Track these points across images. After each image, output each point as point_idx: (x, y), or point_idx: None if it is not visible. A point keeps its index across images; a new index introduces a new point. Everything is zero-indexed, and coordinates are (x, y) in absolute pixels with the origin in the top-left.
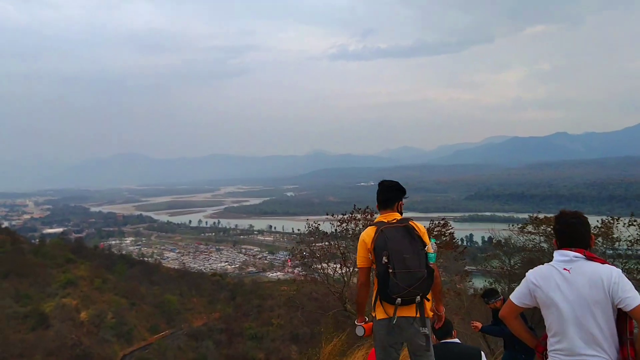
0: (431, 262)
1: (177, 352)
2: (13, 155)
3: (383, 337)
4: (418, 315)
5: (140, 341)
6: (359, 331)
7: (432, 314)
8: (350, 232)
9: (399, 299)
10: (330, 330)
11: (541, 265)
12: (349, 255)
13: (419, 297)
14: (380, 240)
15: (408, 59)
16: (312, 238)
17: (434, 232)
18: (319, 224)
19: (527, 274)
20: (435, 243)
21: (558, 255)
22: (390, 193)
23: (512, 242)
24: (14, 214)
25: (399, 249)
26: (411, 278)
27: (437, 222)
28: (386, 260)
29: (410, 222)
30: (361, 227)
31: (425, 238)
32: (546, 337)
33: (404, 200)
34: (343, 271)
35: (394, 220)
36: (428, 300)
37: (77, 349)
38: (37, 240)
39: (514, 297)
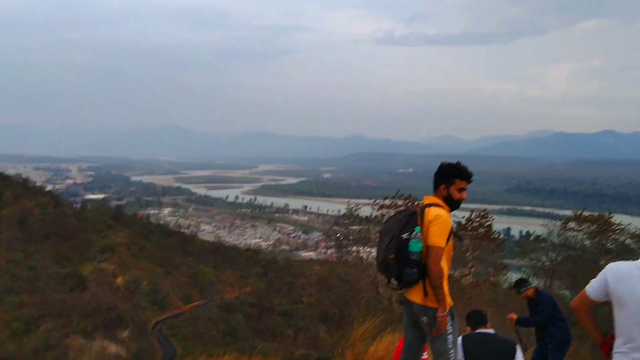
0: (412, 251)
1: (208, 322)
2: (62, 122)
3: (403, 317)
4: (415, 300)
5: (173, 309)
6: None
7: (438, 306)
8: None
9: (385, 279)
10: (363, 312)
11: (623, 262)
12: None
13: (394, 281)
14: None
15: (455, 47)
16: (348, 220)
17: (473, 224)
18: (359, 207)
19: (606, 267)
20: (418, 232)
21: None
22: (435, 176)
23: (553, 238)
24: (58, 178)
25: (383, 230)
26: (377, 259)
27: (477, 212)
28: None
29: (418, 208)
30: None
31: (427, 225)
32: (613, 336)
33: (456, 185)
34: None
35: (419, 204)
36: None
37: (112, 312)
38: (79, 205)
39: (588, 289)
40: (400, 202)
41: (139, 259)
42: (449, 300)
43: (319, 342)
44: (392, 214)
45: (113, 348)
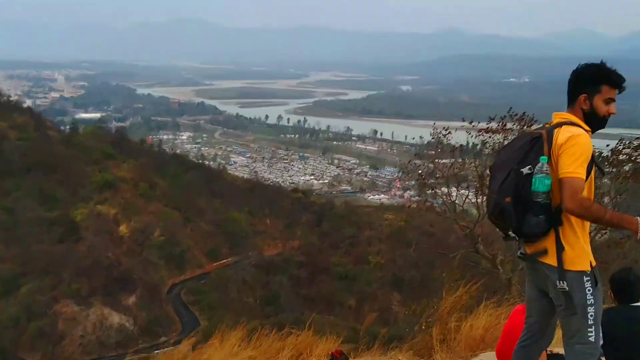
0: (536, 191)
1: (241, 286)
2: (39, 13)
3: (526, 283)
4: (544, 260)
5: (195, 268)
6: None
7: (578, 265)
8: (493, 147)
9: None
10: (454, 277)
11: None
12: (488, 178)
13: (512, 234)
14: (498, 151)
15: None
16: (435, 151)
17: (619, 156)
18: (449, 132)
19: None
20: (544, 163)
21: None
22: (572, 83)
23: None
24: (39, 91)
25: (495, 164)
26: (490, 203)
27: (627, 141)
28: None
29: (543, 130)
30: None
31: (558, 151)
32: None
33: (604, 93)
34: (478, 201)
35: (547, 125)
36: (563, 246)
37: (115, 270)
38: (68, 127)
39: None
40: (511, 126)
41: (150, 200)
42: (626, 224)
43: (391, 315)
44: (510, 140)
45: (116, 318)
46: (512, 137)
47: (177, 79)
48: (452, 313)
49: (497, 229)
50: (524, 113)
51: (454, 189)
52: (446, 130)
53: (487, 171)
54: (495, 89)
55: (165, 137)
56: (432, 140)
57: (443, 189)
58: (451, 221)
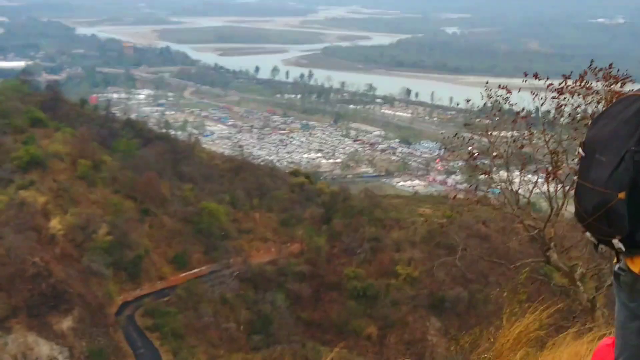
0: None
1: (219, 306)
2: None
3: (616, 297)
4: None
5: (155, 280)
6: None
7: None
8: (571, 114)
9: (588, 234)
10: (519, 296)
11: None
12: (565, 158)
13: (618, 242)
14: (593, 122)
15: None
16: (491, 119)
17: None
18: (511, 93)
19: None
20: None
21: None
22: None
23: None
24: None
25: (594, 140)
26: (590, 199)
27: None
28: (578, 162)
29: None
30: (598, 105)
31: None
32: None
33: None
34: (549, 189)
35: None
36: None
37: (43, 282)
38: None
39: None
40: (596, 84)
41: (92, 184)
42: None
43: (427, 349)
44: (612, 105)
45: (44, 348)
46: (614, 101)
47: (132, 15)
48: (516, 348)
49: (589, 234)
50: (610, 65)
51: (517, 173)
52: (506, 90)
53: (580, 150)
54: (579, 33)
55: (115, 96)
56: (488, 104)
57: (501, 173)
58: (512, 218)
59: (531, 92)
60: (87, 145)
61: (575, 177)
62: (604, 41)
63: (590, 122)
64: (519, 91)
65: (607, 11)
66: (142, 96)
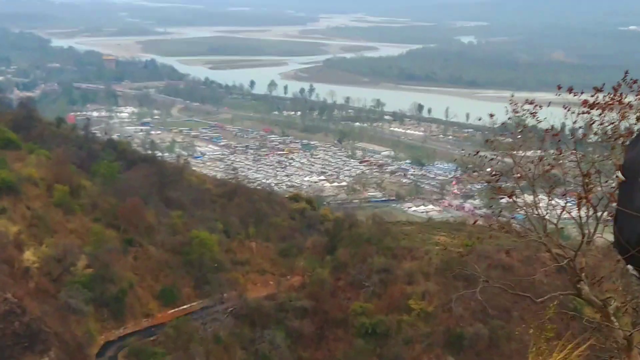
0: None
1: (212, 345)
2: None
3: None
4: None
5: (140, 318)
6: None
7: None
8: (602, 131)
9: (630, 266)
10: (546, 333)
11: None
12: (596, 179)
13: None
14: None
15: None
16: (513, 137)
17: None
18: (536, 107)
19: None
20: None
21: None
22: None
23: None
24: None
25: (635, 164)
26: (634, 228)
27: None
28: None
29: None
30: (638, 122)
31: None
32: None
33: None
34: (580, 214)
35: None
36: None
37: (16, 320)
38: None
39: None
40: (630, 100)
41: (70, 212)
42: None
43: None
44: None
45: None
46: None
47: (113, 25)
48: None
49: (631, 266)
50: None
51: (544, 196)
52: (531, 104)
53: (619, 174)
54: (608, 42)
55: (95, 114)
56: (509, 120)
57: (526, 196)
58: (538, 247)
59: (564, 106)
60: (64, 168)
61: (614, 203)
62: (638, 50)
63: (627, 141)
64: (549, 105)
65: (639, 18)
66: (124, 114)
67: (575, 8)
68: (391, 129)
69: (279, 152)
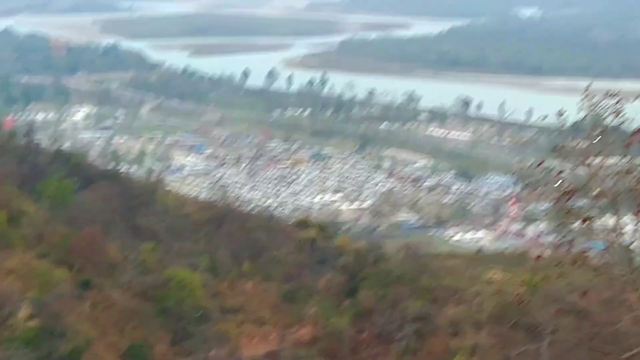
0: None
1: None
2: None
3: None
4: None
5: None
6: None
7: None
8: None
9: None
10: None
11: None
12: None
13: None
14: None
15: None
16: (591, 140)
17: None
18: (620, 100)
19: None
20: None
21: None
22: None
23: None
24: None
25: None
26: None
27: None
28: None
29: None
30: None
31: None
32: None
33: None
34: None
35: None
36: None
37: None
38: None
39: None
40: None
41: (9, 245)
42: None
43: None
44: None
45: None
46: None
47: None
48: None
49: None
50: None
51: (630, 219)
52: (614, 97)
53: None
54: None
55: (40, 116)
56: (585, 118)
57: (607, 218)
58: (623, 285)
59: None
60: (0, 189)
61: None
62: None
63: None
64: (637, 99)
65: None
66: (79, 116)
67: None
68: (429, 131)
69: (282, 164)
